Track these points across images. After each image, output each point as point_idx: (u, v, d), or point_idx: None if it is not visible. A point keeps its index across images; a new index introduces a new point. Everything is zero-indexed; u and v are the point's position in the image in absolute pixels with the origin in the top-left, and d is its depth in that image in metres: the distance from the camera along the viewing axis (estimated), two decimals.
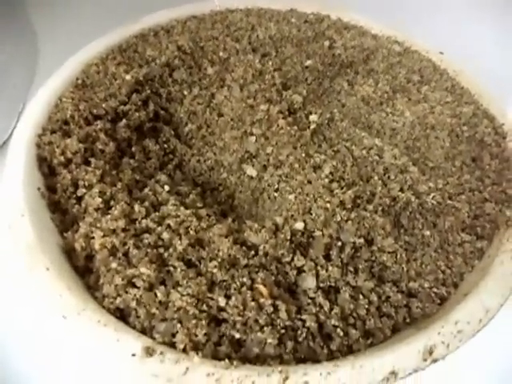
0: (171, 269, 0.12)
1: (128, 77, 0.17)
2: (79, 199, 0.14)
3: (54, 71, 0.18)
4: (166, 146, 0.16)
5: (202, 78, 0.18)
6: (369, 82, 0.18)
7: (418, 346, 0.11)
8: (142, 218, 0.13)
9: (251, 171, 0.15)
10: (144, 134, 0.16)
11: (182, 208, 0.13)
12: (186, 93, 0.18)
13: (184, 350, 0.10)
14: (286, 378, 0.10)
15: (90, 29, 0.24)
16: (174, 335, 0.11)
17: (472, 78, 0.18)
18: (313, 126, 0.16)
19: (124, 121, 0.16)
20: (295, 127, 0.15)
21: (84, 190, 0.14)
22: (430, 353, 0.10)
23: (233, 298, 0.11)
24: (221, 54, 0.19)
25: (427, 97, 0.17)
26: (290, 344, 0.11)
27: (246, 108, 0.16)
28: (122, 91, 0.17)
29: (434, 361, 0.10)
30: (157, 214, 0.13)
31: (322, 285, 0.12)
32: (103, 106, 0.16)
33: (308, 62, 0.19)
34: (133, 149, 0.16)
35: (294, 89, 0.17)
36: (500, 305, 0.11)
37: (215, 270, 0.12)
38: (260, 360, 0.11)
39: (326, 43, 0.19)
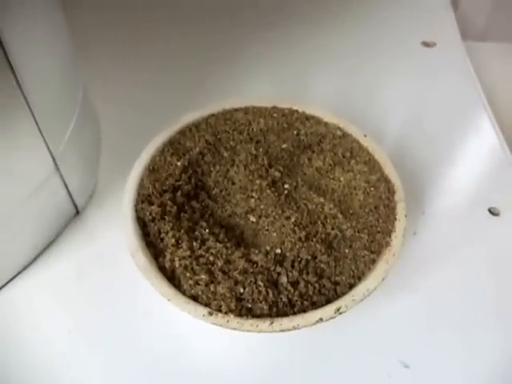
0: (216, 276, 0.24)
1: (179, 163, 0.29)
2: (162, 240, 0.26)
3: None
4: (203, 203, 0.27)
5: (220, 159, 0.29)
6: (320, 157, 0.30)
7: (333, 307, 0.23)
8: (198, 250, 0.25)
9: (252, 218, 0.27)
10: (191, 197, 0.27)
11: (217, 243, 0.25)
12: (212, 170, 0.29)
13: (226, 313, 0.22)
14: (272, 323, 0.22)
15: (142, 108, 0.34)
16: (220, 306, 0.23)
17: (382, 153, 0.30)
18: (286, 192, 0.27)
19: (179, 192, 0.28)
20: (276, 193, 0.27)
21: (164, 235, 0.25)
22: (338, 309, 0.23)
23: (247, 289, 0.23)
24: (231, 143, 0.30)
25: (353, 168, 0.29)
26: (274, 309, 0.23)
27: (248, 181, 0.28)
28: (176, 172, 0.28)
29: (340, 313, 0.22)
30: (204, 246, 0.25)
31: (290, 280, 0.24)
32: (167, 183, 0.28)
33: (284, 146, 0.30)
34: (185, 207, 0.27)
35: (275, 166, 0.29)
36: (375, 287, 0.23)
37: (237, 275, 0.24)
38: (260, 317, 0.23)
39: (295, 132, 0.31)
